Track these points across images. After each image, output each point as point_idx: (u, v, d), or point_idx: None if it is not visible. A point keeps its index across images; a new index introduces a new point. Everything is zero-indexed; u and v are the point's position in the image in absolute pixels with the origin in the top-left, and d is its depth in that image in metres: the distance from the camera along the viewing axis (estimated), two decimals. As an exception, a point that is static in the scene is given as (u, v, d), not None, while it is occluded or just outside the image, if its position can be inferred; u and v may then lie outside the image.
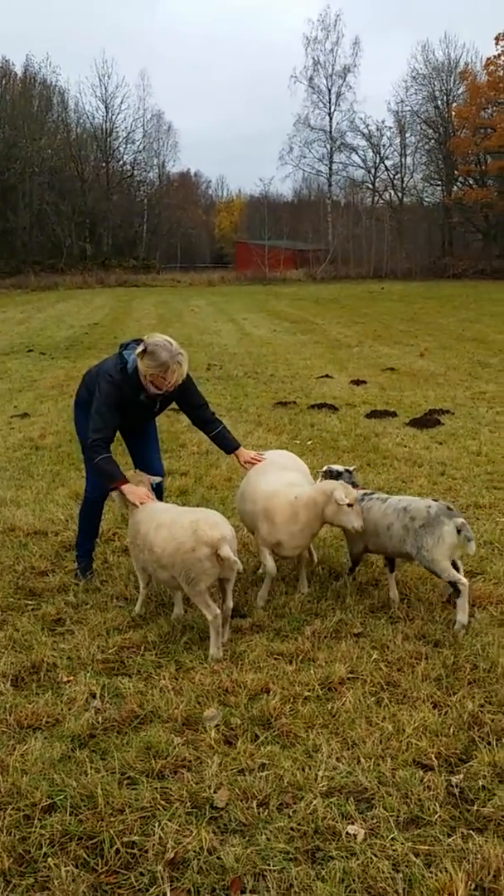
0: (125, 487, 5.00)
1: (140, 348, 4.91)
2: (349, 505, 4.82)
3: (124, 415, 5.16)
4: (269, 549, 5.13)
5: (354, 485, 5.40)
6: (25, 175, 56.06)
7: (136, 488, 5.03)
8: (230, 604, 4.68)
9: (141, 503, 4.95)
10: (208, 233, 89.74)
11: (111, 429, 5.07)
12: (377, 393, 13.08)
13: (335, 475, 5.49)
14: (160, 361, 4.88)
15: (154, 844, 3.00)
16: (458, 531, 4.75)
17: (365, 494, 5.25)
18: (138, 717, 3.84)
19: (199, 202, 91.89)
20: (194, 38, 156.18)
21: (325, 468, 5.64)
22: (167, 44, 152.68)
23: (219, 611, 4.48)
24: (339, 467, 5.63)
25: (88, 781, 3.33)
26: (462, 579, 4.75)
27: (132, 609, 5.05)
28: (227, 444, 5.56)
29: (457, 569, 4.86)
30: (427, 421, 10.69)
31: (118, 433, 5.39)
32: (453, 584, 4.76)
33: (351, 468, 5.65)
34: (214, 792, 3.29)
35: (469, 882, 2.78)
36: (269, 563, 5.15)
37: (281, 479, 5.23)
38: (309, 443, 9.56)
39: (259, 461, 5.51)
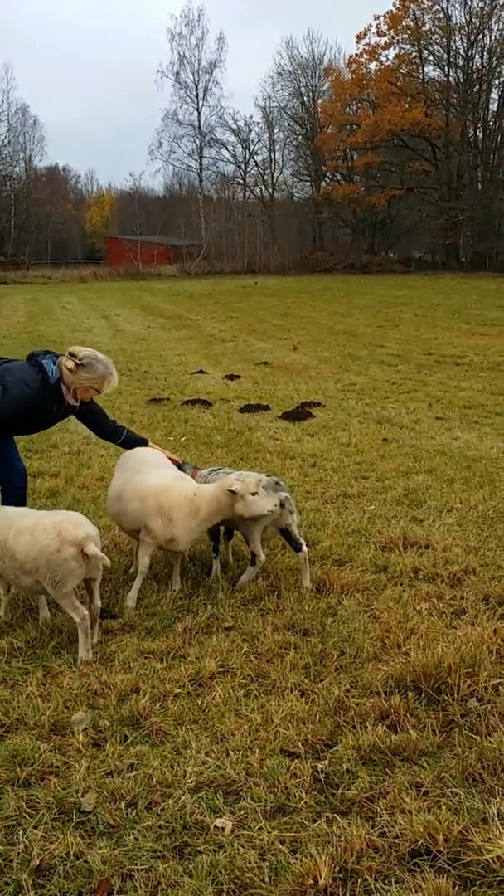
0: None
1: (71, 362, 5.00)
2: (254, 494, 4.93)
3: (28, 424, 5.21)
4: (157, 547, 5.11)
5: (196, 468, 5.80)
6: None
7: None
8: (98, 603, 4.63)
9: None
10: (79, 228, 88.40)
11: None
12: (251, 387, 13.20)
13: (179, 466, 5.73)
14: (98, 374, 5.06)
15: (19, 853, 2.94)
16: (282, 505, 5.13)
17: (213, 470, 5.60)
18: (3, 726, 3.75)
19: (68, 197, 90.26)
20: (60, 29, 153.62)
21: None
22: (32, 35, 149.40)
23: (86, 612, 4.43)
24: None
25: (-50, 795, 3.24)
26: (261, 556, 5.27)
27: (-2, 615, 4.94)
28: (137, 446, 5.67)
29: (298, 542, 5.29)
30: (299, 414, 10.87)
31: None
32: (253, 556, 5.30)
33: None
34: (82, 796, 3.25)
35: (333, 865, 2.84)
36: (146, 562, 5.13)
37: (167, 474, 5.22)
38: (182, 439, 9.56)
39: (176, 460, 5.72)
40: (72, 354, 5.05)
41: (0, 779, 3.36)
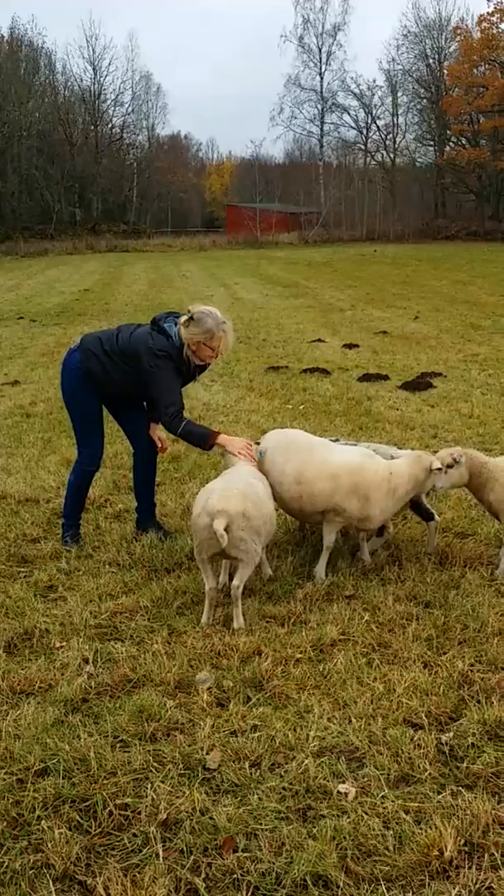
0: (222, 438, 5.06)
1: (185, 317, 5.05)
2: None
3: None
4: (346, 525, 5.00)
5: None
6: (13, 139, 55.19)
7: (235, 438, 5.12)
8: (235, 583, 4.43)
9: (239, 453, 4.95)
10: (199, 196, 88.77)
11: (181, 398, 5.19)
12: (369, 356, 13.04)
13: None
14: (205, 328, 5.03)
15: (147, 806, 3.02)
16: None
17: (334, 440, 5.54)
18: (131, 682, 3.86)
19: (189, 165, 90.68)
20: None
21: None
22: (155, 4, 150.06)
23: (214, 584, 4.46)
24: None
25: (81, 745, 3.35)
26: (391, 528, 5.38)
27: (124, 575, 5.05)
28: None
29: (430, 511, 5.34)
30: (419, 384, 10.67)
31: (104, 408, 5.57)
32: (382, 527, 5.29)
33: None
34: (207, 753, 3.31)
35: (458, 838, 2.81)
36: (332, 538, 5.01)
37: (352, 452, 5.02)
38: (301, 407, 9.55)
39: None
40: (189, 310, 5.11)
41: (128, 733, 3.45)
